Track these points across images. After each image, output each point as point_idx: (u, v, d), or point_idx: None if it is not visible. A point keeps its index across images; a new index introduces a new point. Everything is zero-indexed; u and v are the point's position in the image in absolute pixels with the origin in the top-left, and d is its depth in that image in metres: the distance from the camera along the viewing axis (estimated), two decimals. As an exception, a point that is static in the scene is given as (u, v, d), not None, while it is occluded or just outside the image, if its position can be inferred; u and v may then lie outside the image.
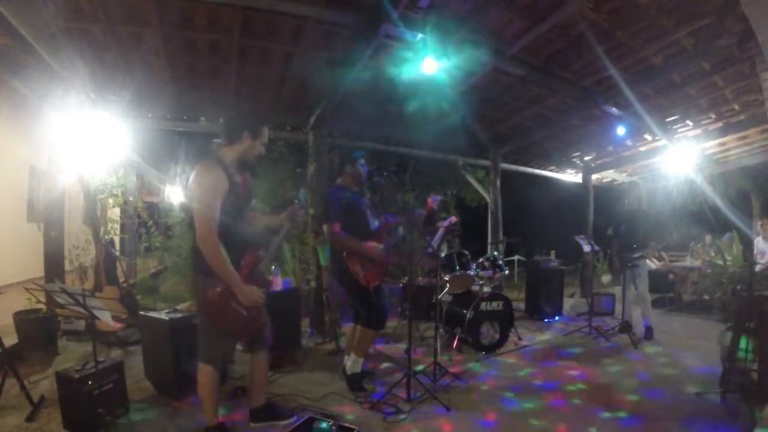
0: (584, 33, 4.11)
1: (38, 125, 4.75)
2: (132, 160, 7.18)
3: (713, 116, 6.17)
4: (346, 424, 2.65)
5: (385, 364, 3.97)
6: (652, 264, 6.87)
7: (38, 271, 4.52)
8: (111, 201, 5.84)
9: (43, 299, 3.83)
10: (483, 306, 4.31)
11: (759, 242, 6.07)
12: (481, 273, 4.76)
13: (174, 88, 5.02)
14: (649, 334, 4.83)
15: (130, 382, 3.03)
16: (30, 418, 2.68)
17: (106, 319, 2.84)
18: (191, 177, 2.28)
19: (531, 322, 5.84)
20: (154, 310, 4.14)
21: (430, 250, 3.92)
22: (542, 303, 5.96)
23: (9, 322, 3.83)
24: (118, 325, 4.40)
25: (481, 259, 4.97)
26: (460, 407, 3.03)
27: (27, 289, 3.03)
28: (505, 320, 4.47)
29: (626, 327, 4.88)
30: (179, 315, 3.22)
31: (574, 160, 8.75)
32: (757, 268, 5.27)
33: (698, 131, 6.64)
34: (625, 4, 3.79)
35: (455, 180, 10.26)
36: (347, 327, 3.94)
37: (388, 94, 5.29)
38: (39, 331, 3.80)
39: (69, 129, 4.48)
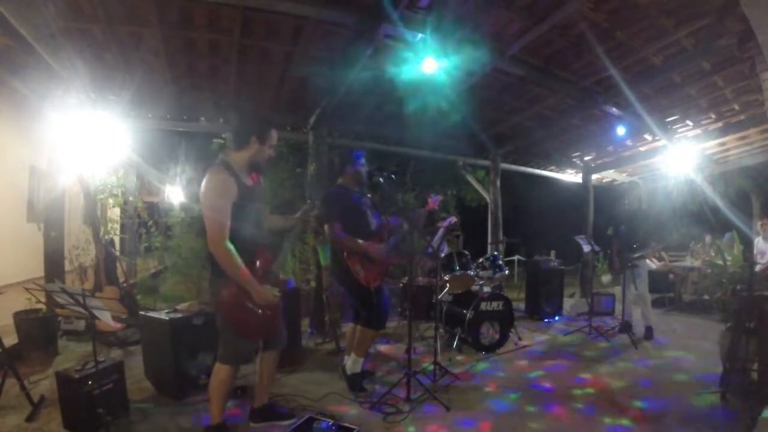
0: (584, 33, 4.10)
1: (38, 125, 4.75)
2: (132, 160, 7.18)
3: (713, 116, 6.17)
4: (346, 424, 2.64)
5: (385, 364, 3.97)
6: (652, 264, 6.87)
7: (38, 271, 4.52)
8: (111, 201, 5.84)
9: (43, 299, 3.83)
10: (483, 306, 4.31)
11: (759, 242, 6.07)
12: (481, 273, 4.77)
13: (174, 88, 5.01)
14: (649, 334, 4.83)
15: (130, 382, 3.03)
16: (30, 418, 2.68)
17: (106, 319, 2.84)
18: (203, 182, 2.31)
19: (531, 322, 5.84)
20: (154, 310, 4.14)
21: (430, 250, 3.92)
22: (542, 303, 5.96)
23: (9, 322, 3.83)
24: (118, 325, 4.40)
25: (481, 259, 4.97)
26: (460, 407, 3.03)
27: (27, 289, 3.03)
28: (505, 320, 4.47)
29: (626, 327, 4.88)
30: (179, 315, 3.22)
31: (574, 160, 8.74)
32: (757, 268, 5.28)
33: (698, 131, 6.63)
34: (625, 4, 3.78)
35: (455, 180, 10.26)
36: (347, 327, 3.94)
37: (388, 94, 5.29)
38: (39, 331, 3.80)
39: (69, 129, 4.48)
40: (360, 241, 3.12)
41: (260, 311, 2.36)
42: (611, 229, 5.24)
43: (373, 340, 3.40)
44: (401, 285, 5.19)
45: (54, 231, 4.53)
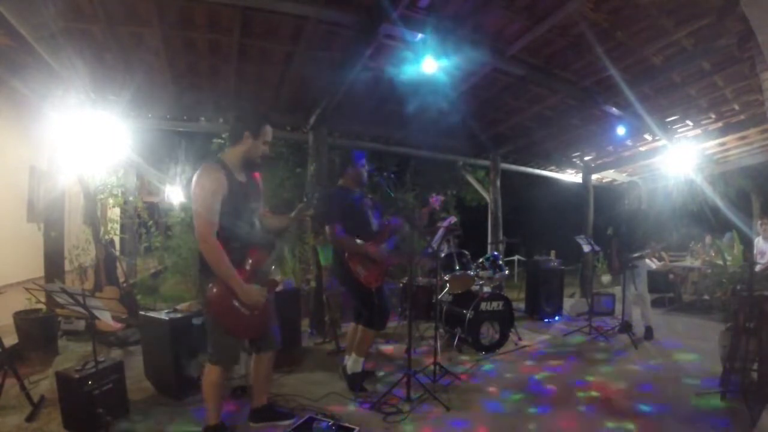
0: (584, 33, 4.10)
1: (38, 125, 4.74)
2: (132, 160, 7.18)
3: (713, 116, 6.17)
4: (346, 424, 2.65)
5: (385, 364, 3.97)
6: (652, 264, 6.87)
7: (38, 271, 4.52)
8: (111, 201, 5.84)
9: (43, 299, 3.83)
10: (483, 306, 4.30)
11: (759, 242, 6.07)
12: (481, 273, 4.77)
13: (174, 88, 5.01)
14: (648, 334, 4.83)
15: (130, 382, 3.03)
16: (30, 418, 2.68)
17: (106, 319, 2.85)
18: (194, 178, 2.29)
19: (531, 322, 5.84)
20: (154, 310, 4.14)
21: (430, 250, 3.92)
22: (542, 303, 5.96)
23: (9, 322, 3.83)
24: (118, 325, 4.40)
25: (481, 259, 4.97)
26: (460, 407, 3.03)
27: (27, 289, 3.03)
28: (505, 320, 4.47)
29: (626, 327, 4.88)
30: (179, 315, 3.22)
31: (574, 160, 8.74)
32: (757, 268, 5.27)
33: (698, 131, 6.63)
34: (625, 4, 3.79)
35: (455, 180, 10.26)
36: (347, 327, 3.94)
37: (388, 94, 5.29)
38: (39, 331, 3.80)
39: (69, 129, 4.48)
40: (360, 241, 3.12)
41: (248, 312, 2.33)
42: (611, 229, 5.23)
43: (373, 339, 3.40)
44: (401, 285, 5.19)
45: (54, 231, 4.53)
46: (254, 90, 5.23)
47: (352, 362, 3.30)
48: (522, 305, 6.36)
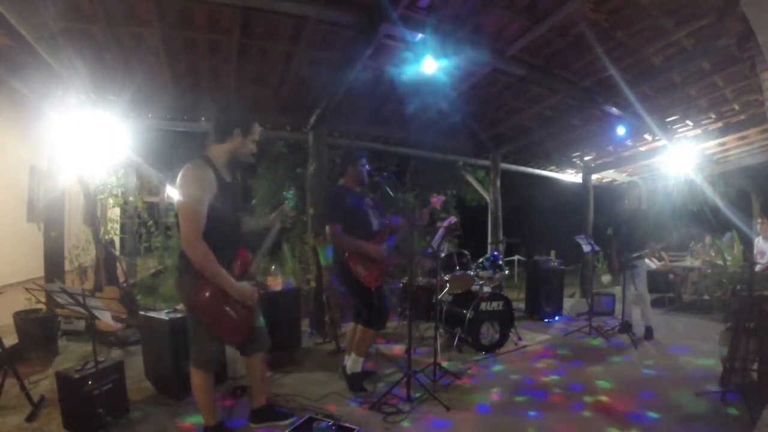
0: (584, 33, 4.10)
1: (38, 125, 4.74)
2: (132, 160, 7.18)
3: (713, 116, 6.17)
4: (346, 424, 2.65)
5: (385, 364, 3.97)
6: (652, 264, 6.87)
7: (38, 271, 4.52)
8: (111, 201, 5.84)
9: (43, 299, 3.83)
10: (483, 306, 4.30)
11: (759, 242, 6.07)
12: (481, 273, 4.77)
13: (174, 89, 5.01)
14: (648, 334, 4.83)
15: (130, 382, 3.03)
16: (30, 418, 2.68)
17: (106, 319, 2.84)
18: (179, 176, 2.19)
19: (531, 322, 5.84)
20: (154, 310, 4.13)
21: (430, 250, 3.92)
22: (542, 303, 5.96)
23: (9, 322, 3.83)
24: (118, 325, 4.40)
25: (481, 259, 4.97)
26: (460, 407, 3.03)
27: (27, 289, 3.03)
28: (505, 320, 4.47)
29: (626, 327, 4.88)
30: (179, 315, 3.21)
31: (574, 160, 8.75)
32: (757, 268, 5.27)
33: (698, 131, 6.64)
34: (625, 4, 3.79)
35: (455, 180, 10.26)
36: (347, 327, 3.94)
37: (388, 94, 5.29)
38: (39, 331, 3.80)
39: (69, 129, 4.47)
40: (360, 241, 3.12)
41: (236, 315, 2.30)
42: (611, 229, 5.24)
43: (372, 339, 3.40)
44: (401, 285, 5.19)
45: (54, 231, 4.53)
46: (254, 90, 5.23)
47: (352, 362, 3.30)
48: (522, 305, 6.36)
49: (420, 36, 3.81)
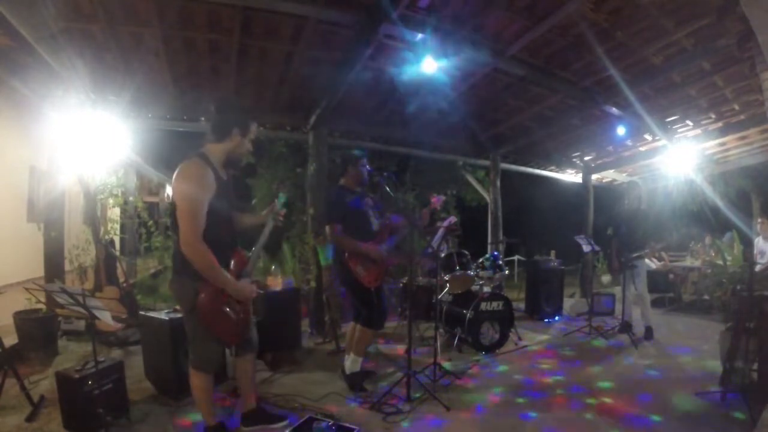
0: (584, 33, 4.10)
1: (38, 125, 4.74)
2: (132, 160, 7.18)
3: (713, 116, 6.17)
4: (346, 424, 2.64)
5: (385, 364, 3.97)
6: (652, 264, 6.87)
7: (38, 271, 4.52)
8: (111, 201, 5.84)
9: (43, 299, 3.83)
10: (483, 306, 4.31)
11: (759, 242, 6.07)
12: (481, 273, 4.77)
13: (174, 89, 5.01)
14: (648, 334, 4.83)
15: (130, 382, 3.03)
16: (30, 418, 2.68)
17: (106, 319, 2.84)
18: (175, 175, 2.17)
19: (531, 322, 5.84)
20: (154, 310, 4.13)
21: (430, 250, 3.92)
22: (542, 303, 5.96)
23: (9, 322, 3.83)
24: (118, 325, 4.40)
25: (481, 259, 4.97)
26: (460, 407, 3.03)
27: (27, 289, 3.02)
28: (505, 320, 4.47)
29: (626, 327, 4.88)
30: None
31: (574, 160, 8.74)
32: (757, 268, 5.27)
33: (698, 131, 6.63)
34: (625, 4, 3.78)
35: (455, 180, 10.26)
36: (347, 327, 3.95)
37: (388, 94, 5.29)
38: (39, 331, 3.80)
39: (69, 129, 4.47)
40: (359, 242, 3.12)
41: (235, 316, 2.29)
42: (611, 229, 5.24)
43: (372, 339, 3.40)
44: (401, 285, 5.19)
45: (54, 231, 4.53)
46: (254, 90, 5.23)
47: (351, 362, 3.31)
48: (522, 305, 6.36)
49: (420, 36, 3.81)
